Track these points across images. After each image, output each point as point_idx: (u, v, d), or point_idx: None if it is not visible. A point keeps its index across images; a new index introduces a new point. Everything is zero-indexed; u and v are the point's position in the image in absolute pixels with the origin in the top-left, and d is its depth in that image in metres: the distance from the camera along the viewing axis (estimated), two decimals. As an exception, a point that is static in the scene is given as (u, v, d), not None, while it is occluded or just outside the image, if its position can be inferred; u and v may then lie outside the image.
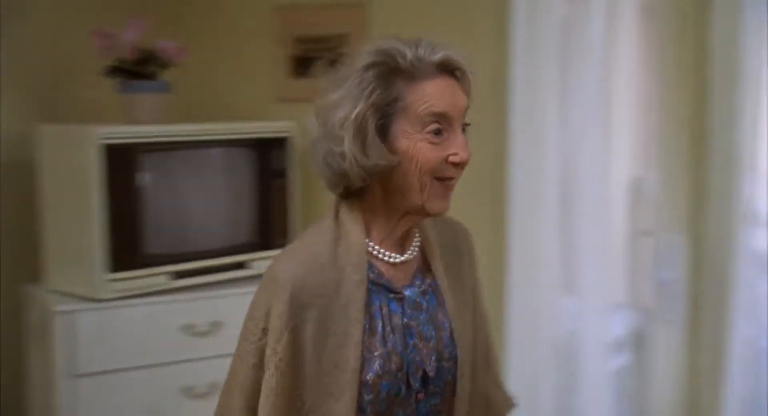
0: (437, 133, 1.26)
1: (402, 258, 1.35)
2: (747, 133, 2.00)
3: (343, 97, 1.26)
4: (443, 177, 1.27)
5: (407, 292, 1.34)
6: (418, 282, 1.36)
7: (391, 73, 1.26)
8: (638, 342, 2.20)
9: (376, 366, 1.28)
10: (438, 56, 1.25)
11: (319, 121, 1.29)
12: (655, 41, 2.10)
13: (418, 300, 1.35)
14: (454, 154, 1.26)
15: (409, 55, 1.25)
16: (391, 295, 1.31)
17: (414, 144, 1.25)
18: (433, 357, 1.33)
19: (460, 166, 1.26)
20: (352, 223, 1.32)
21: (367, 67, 1.26)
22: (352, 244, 1.30)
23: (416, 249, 1.36)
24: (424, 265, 1.36)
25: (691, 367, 2.06)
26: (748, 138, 2.00)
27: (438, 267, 1.38)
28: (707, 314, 2.03)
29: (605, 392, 2.16)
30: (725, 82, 1.98)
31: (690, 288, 2.06)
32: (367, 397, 1.26)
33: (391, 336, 1.31)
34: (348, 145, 1.25)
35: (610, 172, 2.15)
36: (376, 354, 1.28)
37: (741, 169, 2.00)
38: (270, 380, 1.26)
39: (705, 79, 2.01)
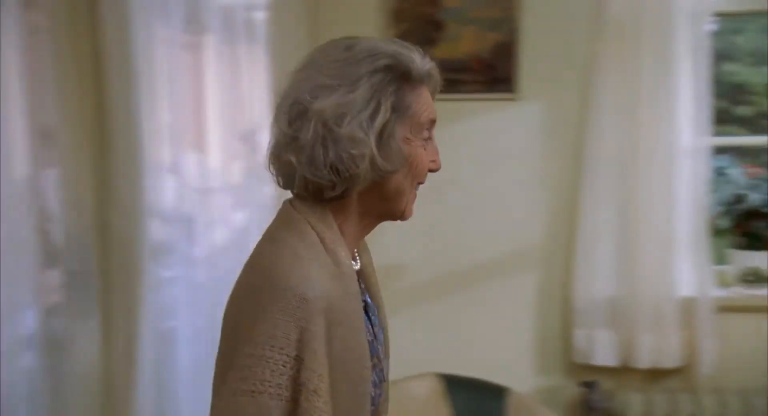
0: (427, 139, 1.28)
1: (358, 266, 1.32)
2: (146, 132, 2.12)
3: (356, 100, 1.21)
4: (421, 182, 1.30)
5: (367, 299, 1.31)
6: (362, 288, 1.31)
7: (400, 77, 1.25)
8: (50, 339, 2.19)
9: (374, 376, 1.23)
10: (430, 65, 1.28)
11: (315, 121, 1.21)
12: (45, 37, 2.09)
13: (372, 306, 1.33)
14: (433, 161, 1.29)
15: (418, 61, 1.26)
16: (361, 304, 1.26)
17: (415, 150, 1.26)
18: (387, 362, 1.33)
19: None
20: (330, 230, 1.24)
21: (377, 70, 1.23)
22: (340, 253, 1.21)
23: (357, 255, 1.34)
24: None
25: (105, 355, 2.13)
26: (147, 136, 2.13)
27: (371, 271, 1.37)
28: (117, 303, 2.12)
29: (18, 394, 2.12)
30: (121, 81, 2.07)
31: (100, 281, 2.13)
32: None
33: (374, 344, 1.26)
34: (371, 149, 1.21)
35: (7, 172, 2.10)
36: (368, 365, 1.22)
37: (142, 165, 2.12)
38: (323, 408, 1.14)
39: (102, 77, 2.08)
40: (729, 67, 3.75)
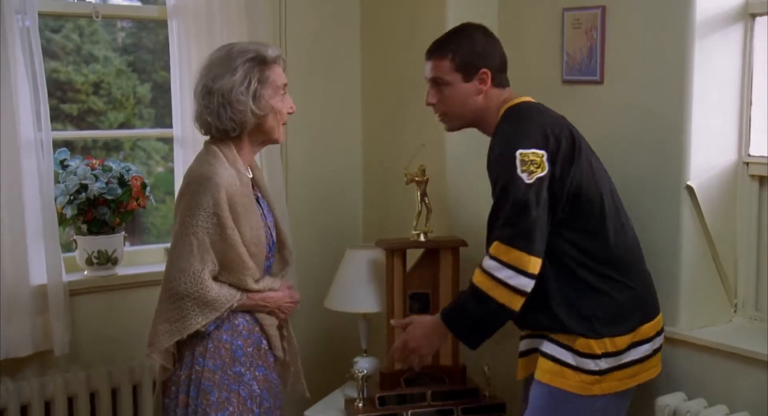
0: (283, 95, 2.46)
1: (251, 175, 2.51)
2: None
3: (236, 79, 2.35)
4: (284, 121, 2.51)
5: (258, 194, 2.55)
6: (255, 190, 2.56)
7: (260, 62, 2.39)
8: None
9: (268, 239, 2.53)
10: (277, 53, 2.45)
11: (217, 95, 2.35)
12: None
13: (262, 199, 2.57)
14: (290, 107, 2.50)
15: (269, 52, 2.42)
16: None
17: (276, 102, 2.44)
18: (279, 235, 2.62)
19: None
20: (230, 152, 2.42)
21: (246, 61, 2.37)
22: (237, 164, 2.42)
23: (250, 169, 2.54)
24: None
25: None
26: None
27: (261, 180, 2.60)
28: None
29: None
30: None
31: None
32: None
33: (264, 217, 2.53)
34: (250, 105, 2.36)
35: None
36: (260, 223, 2.49)
37: None
38: (235, 236, 2.35)
39: None
40: (51, 65, 3.92)
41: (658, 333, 2.54)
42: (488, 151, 2.51)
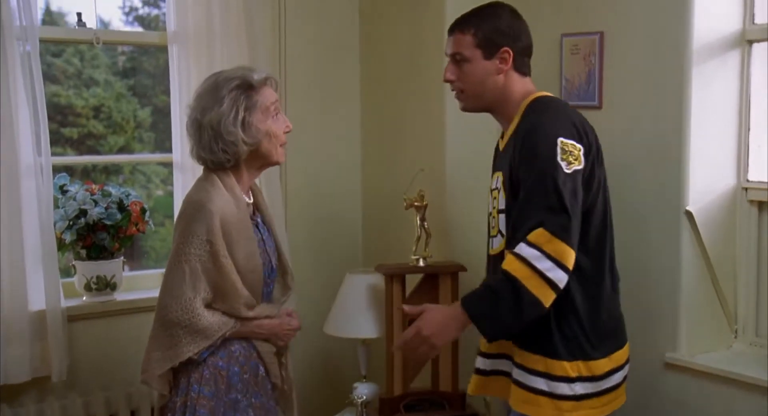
0: (275, 115, 2.44)
1: (251, 200, 2.49)
2: None
3: (223, 111, 2.33)
4: (282, 142, 2.47)
5: (259, 219, 2.53)
6: (257, 214, 2.54)
7: (246, 88, 2.36)
8: None
9: (265, 265, 2.49)
10: (263, 75, 2.42)
11: (206, 128, 2.34)
12: None
13: (262, 224, 2.55)
14: (286, 126, 2.47)
15: (255, 76, 2.38)
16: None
17: (268, 125, 2.40)
18: (280, 261, 2.61)
19: None
20: (228, 178, 2.40)
21: (232, 89, 2.34)
22: (235, 190, 2.39)
23: (251, 194, 2.53)
24: None
25: None
26: None
27: (262, 204, 2.58)
28: None
29: None
30: None
31: None
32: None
33: (262, 245, 2.50)
34: (240, 135, 2.34)
35: None
36: (256, 249, 2.44)
37: None
38: (228, 264, 2.33)
39: None
40: (52, 89, 3.93)
41: (627, 361, 2.49)
42: (516, 141, 2.35)
